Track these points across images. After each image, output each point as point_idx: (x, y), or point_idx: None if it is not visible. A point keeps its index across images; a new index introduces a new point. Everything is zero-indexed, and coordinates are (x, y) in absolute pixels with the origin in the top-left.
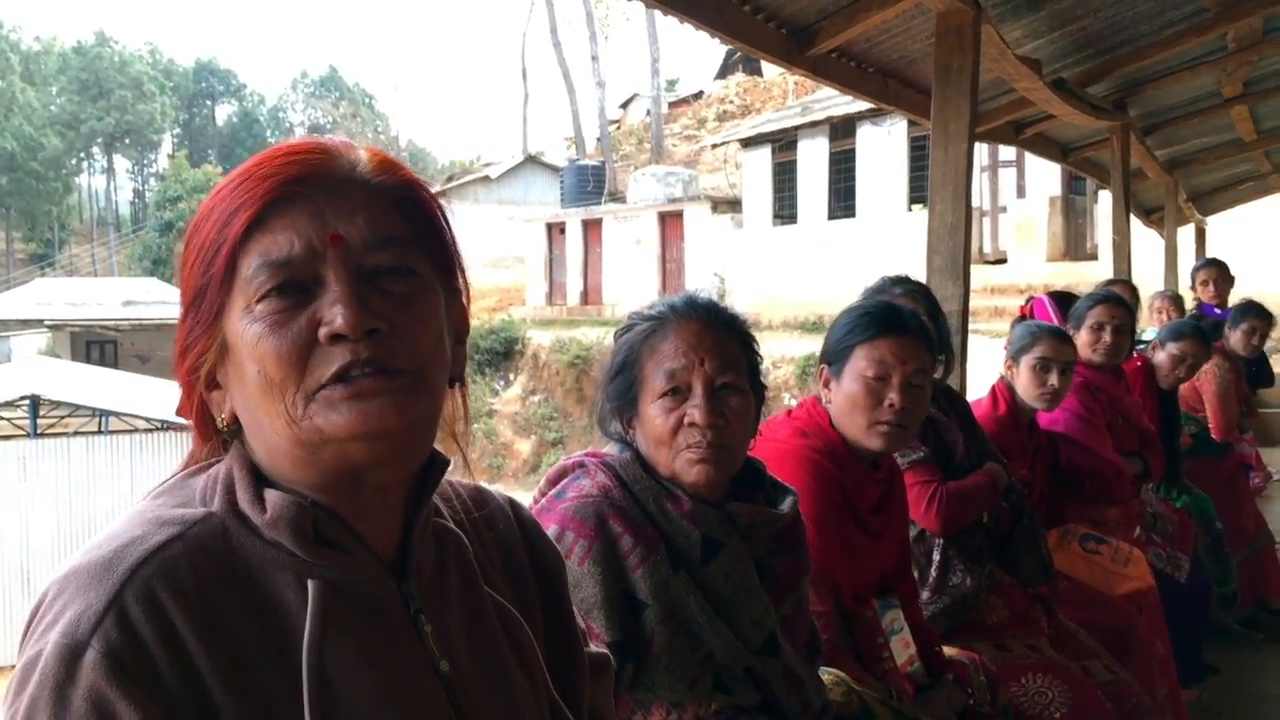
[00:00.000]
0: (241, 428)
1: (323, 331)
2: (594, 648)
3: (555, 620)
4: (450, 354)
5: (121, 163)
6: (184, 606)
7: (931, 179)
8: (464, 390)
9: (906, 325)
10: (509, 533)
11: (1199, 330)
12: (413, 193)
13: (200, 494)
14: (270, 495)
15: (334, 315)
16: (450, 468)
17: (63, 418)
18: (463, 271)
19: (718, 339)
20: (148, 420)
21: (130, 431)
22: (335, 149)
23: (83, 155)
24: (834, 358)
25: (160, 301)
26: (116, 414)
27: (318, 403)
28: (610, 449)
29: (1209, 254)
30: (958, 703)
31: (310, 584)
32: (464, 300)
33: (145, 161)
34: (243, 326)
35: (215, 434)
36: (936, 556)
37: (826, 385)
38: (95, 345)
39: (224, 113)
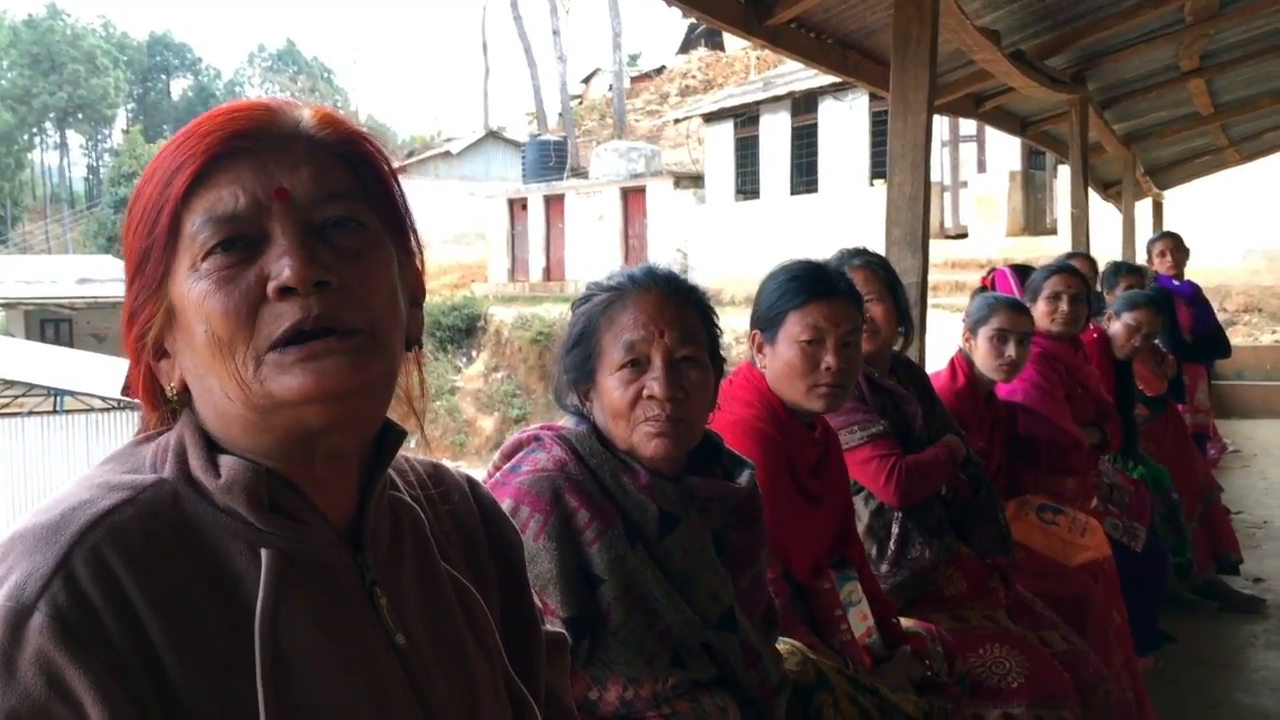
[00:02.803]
0: (191, 397)
1: (271, 285)
2: (550, 627)
3: (512, 599)
4: (405, 315)
5: (75, 138)
6: (134, 571)
7: (891, 150)
8: (420, 357)
9: (836, 287)
10: (465, 510)
11: (1153, 300)
12: (358, 146)
13: (150, 460)
14: (224, 460)
15: (281, 268)
16: (407, 442)
17: (17, 397)
18: (414, 230)
19: (677, 311)
20: (104, 399)
21: (86, 411)
22: (278, 106)
23: (35, 130)
24: (766, 324)
25: (116, 279)
26: (72, 393)
27: (268, 366)
28: (566, 422)
29: (1166, 227)
30: (915, 674)
31: (264, 553)
32: (418, 263)
33: (99, 137)
34: (188, 286)
35: (165, 404)
36: (895, 529)
37: (760, 350)
38: (50, 323)
39: (179, 87)
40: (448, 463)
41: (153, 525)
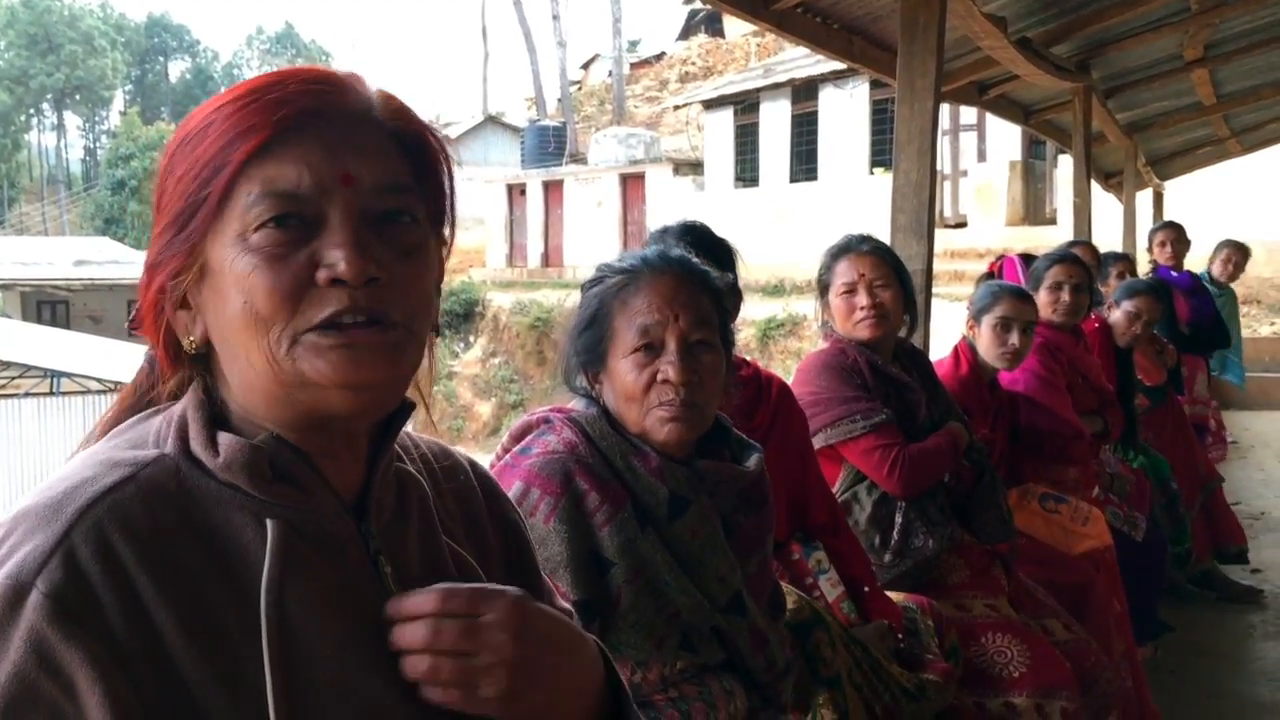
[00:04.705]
0: (209, 354)
1: (322, 274)
2: (560, 603)
3: (519, 575)
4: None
5: (72, 119)
6: (136, 548)
7: (897, 137)
8: (433, 341)
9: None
10: (468, 489)
11: (1152, 287)
12: (423, 140)
13: (154, 435)
14: (223, 438)
15: (336, 259)
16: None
17: (13, 379)
18: (453, 223)
19: (691, 294)
20: (100, 381)
21: (83, 393)
22: (349, 83)
23: (32, 112)
24: None
25: (113, 261)
26: (69, 375)
27: (303, 346)
28: (576, 404)
29: (1166, 218)
30: (888, 644)
31: (269, 523)
32: (446, 251)
33: (96, 118)
34: (233, 255)
35: (182, 362)
36: (899, 519)
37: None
38: (46, 305)
39: (177, 69)
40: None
41: (154, 501)
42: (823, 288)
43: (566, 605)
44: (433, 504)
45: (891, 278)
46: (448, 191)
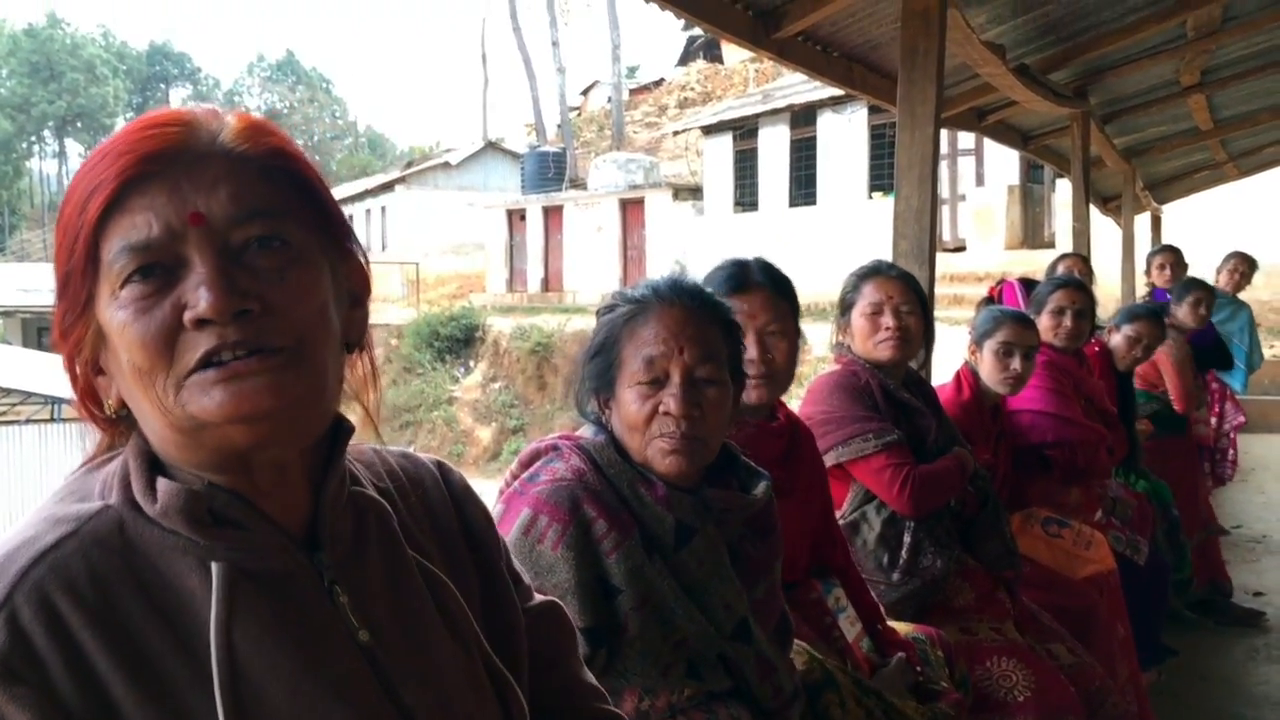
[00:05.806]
0: (129, 414)
1: (187, 316)
2: (536, 598)
3: (490, 581)
4: (341, 321)
5: (74, 147)
6: (78, 605)
7: (898, 163)
8: (369, 355)
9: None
10: (437, 497)
11: (1154, 312)
12: (281, 160)
13: (100, 488)
14: (161, 484)
15: (198, 299)
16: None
17: (14, 405)
18: (350, 232)
19: (699, 327)
20: None
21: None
22: (197, 119)
23: (34, 139)
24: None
25: None
26: (69, 401)
27: (189, 388)
28: (585, 431)
29: (1165, 242)
30: (909, 679)
31: (214, 566)
32: (360, 259)
33: (98, 145)
34: (110, 314)
35: (107, 420)
36: (907, 539)
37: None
38: (48, 332)
39: (178, 97)
40: None
41: (96, 556)
42: (845, 307)
43: (543, 598)
44: (397, 521)
45: (916, 305)
46: (326, 203)
